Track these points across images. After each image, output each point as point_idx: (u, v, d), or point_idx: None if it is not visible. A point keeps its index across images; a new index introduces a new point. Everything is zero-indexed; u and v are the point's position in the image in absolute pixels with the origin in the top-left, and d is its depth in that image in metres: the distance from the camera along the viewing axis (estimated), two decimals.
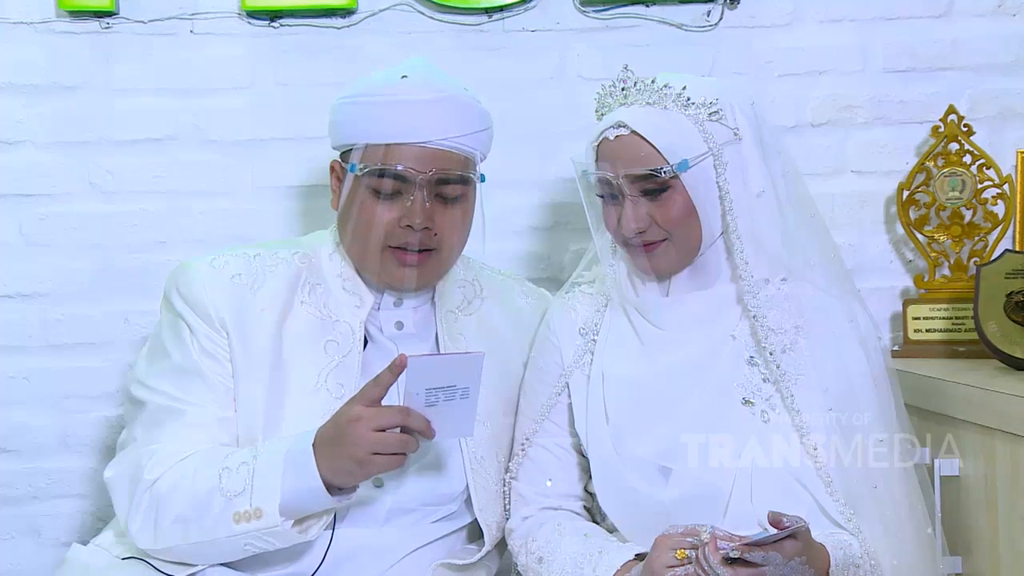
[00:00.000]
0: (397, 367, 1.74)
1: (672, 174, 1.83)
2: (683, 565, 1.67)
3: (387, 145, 1.89)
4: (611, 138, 1.86)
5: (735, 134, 1.87)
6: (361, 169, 1.91)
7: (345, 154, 1.96)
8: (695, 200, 1.84)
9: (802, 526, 1.66)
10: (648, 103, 1.85)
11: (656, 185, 1.84)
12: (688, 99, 1.84)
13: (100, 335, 2.47)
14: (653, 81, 1.86)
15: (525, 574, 1.91)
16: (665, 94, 1.85)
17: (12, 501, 2.47)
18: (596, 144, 1.89)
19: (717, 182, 1.85)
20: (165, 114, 2.46)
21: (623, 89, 1.88)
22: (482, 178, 1.98)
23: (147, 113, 2.46)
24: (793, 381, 1.85)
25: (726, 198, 1.85)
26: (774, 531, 1.65)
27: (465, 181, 1.94)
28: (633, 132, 1.84)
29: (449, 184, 1.93)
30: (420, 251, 1.93)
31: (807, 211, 1.96)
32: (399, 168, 1.89)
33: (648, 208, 1.85)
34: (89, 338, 2.47)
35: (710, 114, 1.85)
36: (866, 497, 1.83)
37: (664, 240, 1.87)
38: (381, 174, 1.90)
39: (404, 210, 1.90)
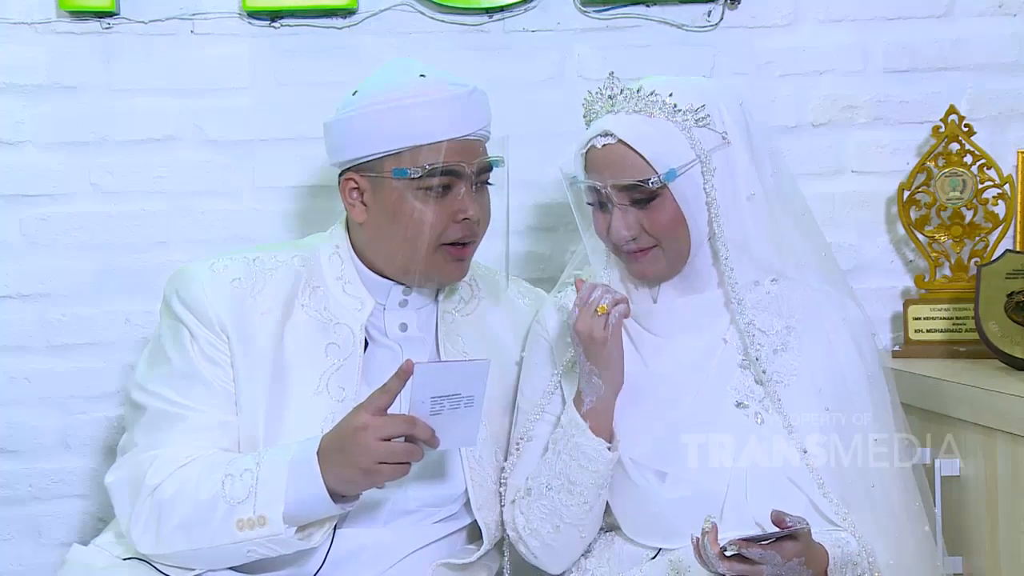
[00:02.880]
0: (404, 373, 1.74)
1: (660, 184, 1.82)
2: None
3: (437, 144, 1.90)
4: (599, 146, 1.85)
5: (723, 138, 1.85)
6: (415, 172, 1.90)
7: (370, 164, 1.93)
8: (683, 208, 1.84)
9: (803, 527, 1.66)
10: (635, 111, 1.84)
11: (644, 194, 1.83)
12: (675, 106, 1.82)
13: (101, 335, 2.46)
14: (639, 89, 1.85)
15: (535, 551, 1.93)
16: (651, 102, 1.83)
17: (13, 501, 2.47)
18: (584, 152, 1.88)
19: (704, 188, 1.84)
20: (166, 114, 2.46)
21: (610, 97, 1.87)
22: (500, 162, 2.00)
23: (148, 113, 2.46)
24: (783, 384, 1.85)
25: (713, 204, 1.84)
26: (774, 530, 1.65)
27: (496, 165, 1.98)
28: (620, 141, 1.83)
29: (487, 171, 1.97)
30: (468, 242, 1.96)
31: (799, 210, 1.96)
32: (456, 165, 1.91)
33: (637, 216, 1.84)
34: (90, 338, 2.46)
35: (697, 120, 1.83)
36: (862, 496, 1.83)
37: (654, 247, 1.86)
38: (441, 172, 1.90)
39: (456, 204, 1.92)
